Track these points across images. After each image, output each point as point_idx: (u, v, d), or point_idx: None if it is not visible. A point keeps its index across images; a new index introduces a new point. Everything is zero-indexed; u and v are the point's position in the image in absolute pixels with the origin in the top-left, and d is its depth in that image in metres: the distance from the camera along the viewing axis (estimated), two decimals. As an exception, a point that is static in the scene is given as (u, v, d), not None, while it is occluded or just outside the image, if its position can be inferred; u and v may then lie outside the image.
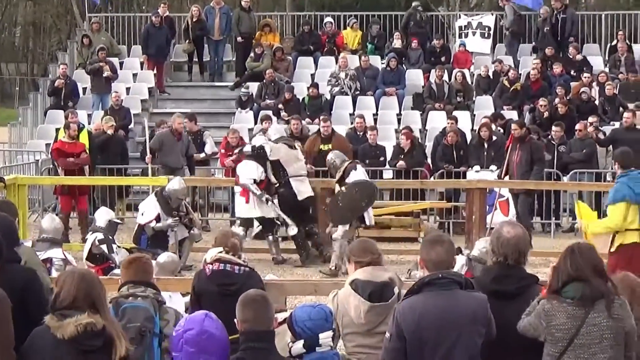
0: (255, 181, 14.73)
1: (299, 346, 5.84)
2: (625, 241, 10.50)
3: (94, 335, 5.17)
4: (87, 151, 17.46)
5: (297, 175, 15.06)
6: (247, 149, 15.46)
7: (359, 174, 14.44)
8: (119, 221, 13.43)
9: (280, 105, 21.87)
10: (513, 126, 16.81)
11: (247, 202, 14.81)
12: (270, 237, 15.15)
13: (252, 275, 7.72)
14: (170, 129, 17.84)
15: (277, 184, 14.92)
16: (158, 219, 14.04)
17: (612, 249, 10.50)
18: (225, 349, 5.36)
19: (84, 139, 17.72)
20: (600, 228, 10.95)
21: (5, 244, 6.27)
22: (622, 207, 10.44)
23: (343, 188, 14.34)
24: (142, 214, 14.26)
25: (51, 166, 18.49)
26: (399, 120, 22.20)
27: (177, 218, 14.04)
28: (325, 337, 5.89)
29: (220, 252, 7.70)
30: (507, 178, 16.40)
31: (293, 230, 14.87)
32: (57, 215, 15.03)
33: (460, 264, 9.21)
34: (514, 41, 24.68)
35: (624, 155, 10.88)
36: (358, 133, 19.71)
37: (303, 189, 15.04)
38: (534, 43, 24.47)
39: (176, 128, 17.82)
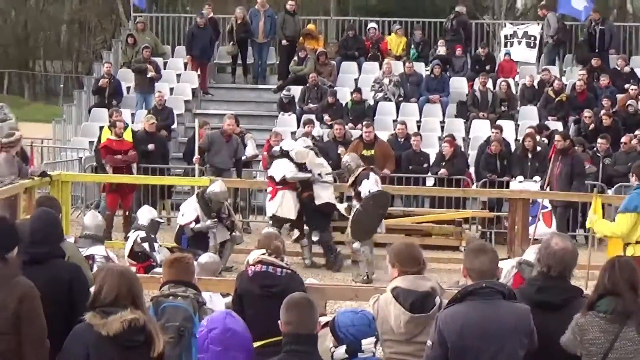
0: (284, 178, 14.93)
1: (341, 351, 5.84)
2: (636, 253, 10.54)
3: (137, 331, 5.22)
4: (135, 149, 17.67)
5: (323, 181, 15.16)
6: (276, 149, 15.68)
7: (371, 182, 14.47)
8: (161, 220, 13.52)
9: (322, 110, 21.90)
10: (556, 137, 16.75)
11: (272, 199, 15.05)
12: (305, 241, 15.25)
13: (294, 278, 7.74)
14: (220, 130, 17.88)
15: (300, 188, 15.08)
16: (197, 220, 14.12)
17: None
18: (250, 346, 5.38)
19: (128, 137, 17.86)
20: (606, 230, 11.21)
21: (52, 239, 6.37)
22: (631, 217, 10.58)
23: (359, 206, 14.40)
24: (182, 215, 14.35)
25: (94, 163, 18.67)
26: (442, 128, 22.15)
27: (215, 220, 14.12)
28: (367, 343, 5.89)
29: (263, 254, 7.73)
30: (548, 190, 16.33)
31: (316, 236, 15.02)
32: (99, 212, 15.14)
33: (510, 265, 9.17)
34: (557, 51, 24.53)
35: None
36: (399, 139, 19.69)
37: (323, 195, 15.10)
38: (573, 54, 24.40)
39: (226, 129, 17.91)
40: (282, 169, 15.02)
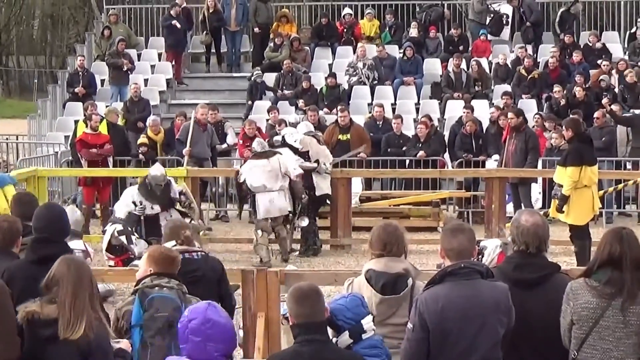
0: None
1: (345, 338, 5.86)
2: None
3: (44, 324, 5.40)
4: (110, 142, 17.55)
5: (326, 172, 15.07)
6: (277, 138, 15.49)
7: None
8: (138, 213, 13.42)
9: (297, 96, 21.88)
10: (509, 115, 16.79)
11: None
12: (287, 227, 15.09)
13: (209, 258, 7.78)
14: (195, 120, 17.83)
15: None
16: (142, 206, 13.68)
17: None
18: (232, 336, 5.35)
19: (104, 130, 17.75)
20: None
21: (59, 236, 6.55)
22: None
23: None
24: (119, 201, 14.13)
25: (70, 158, 18.57)
26: (417, 110, 22.15)
27: (142, 207, 13.65)
28: (367, 322, 5.93)
29: (174, 245, 7.63)
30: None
31: (304, 221, 14.87)
32: (77, 206, 15.06)
33: (494, 244, 9.19)
34: (532, 29, 24.54)
35: None
36: (378, 122, 19.74)
37: (323, 186, 15.05)
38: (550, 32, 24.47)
39: (199, 119, 17.84)
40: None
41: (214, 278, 7.62)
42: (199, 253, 7.73)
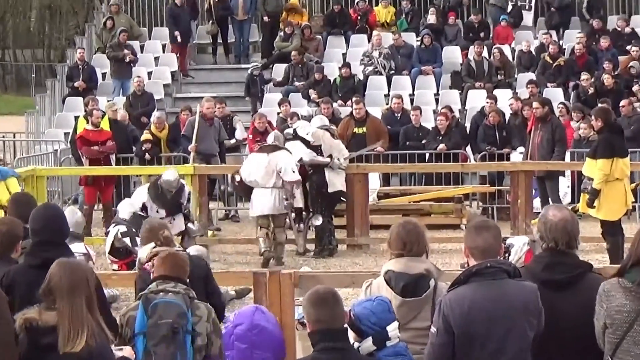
0: (301, 163, 14.71)
1: (368, 344, 5.81)
2: None
3: (44, 331, 5.33)
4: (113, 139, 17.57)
5: (339, 167, 15.03)
6: (289, 131, 15.46)
7: None
8: (143, 214, 13.40)
9: (309, 87, 21.86)
10: (534, 105, 16.70)
11: None
12: (301, 225, 15.13)
13: (192, 257, 7.74)
14: (200, 114, 17.82)
15: (311, 170, 14.88)
16: (144, 207, 13.76)
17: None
18: (281, 344, 5.28)
19: (105, 126, 17.75)
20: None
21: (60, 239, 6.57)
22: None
23: None
24: (132, 197, 14.17)
25: (70, 156, 18.58)
26: (436, 101, 22.11)
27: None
28: (393, 329, 5.89)
29: (154, 247, 7.64)
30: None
31: (319, 220, 14.84)
32: (78, 207, 15.05)
33: (522, 242, 9.14)
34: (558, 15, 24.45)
35: None
36: (395, 114, 19.72)
37: (336, 182, 15.01)
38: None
39: (205, 113, 17.82)
40: (295, 152, 14.75)
41: (199, 276, 7.61)
42: (173, 250, 7.66)
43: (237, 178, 14.67)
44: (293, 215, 14.85)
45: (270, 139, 14.88)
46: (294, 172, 14.31)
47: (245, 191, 14.95)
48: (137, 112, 20.72)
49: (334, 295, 5.43)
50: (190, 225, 14.16)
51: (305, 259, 14.76)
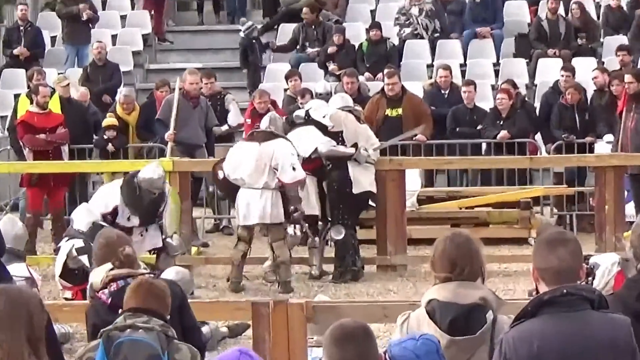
0: (310, 157, 14.77)
1: None
2: None
3: None
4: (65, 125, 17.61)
5: (367, 161, 15.08)
6: (299, 113, 15.51)
7: None
8: (105, 224, 13.43)
9: (326, 56, 21.90)
10: (627, 78, 16.67)
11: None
12: (316, 240, 15.17)
13: (168, 281, 7.79)
14: (182, 92, 17.85)
15: (329, 165, 14.93)
16: (114, 213, 13.84)
17: None
18: None
19: (55, 108, 17.77)
20: None
21: None
22: None
23: None
24: (97, 200, 14.15)
25: (9, 147, 18.65)
26: (496, 73, 22.15)
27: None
28: None
29: (111, 269, 7.66)
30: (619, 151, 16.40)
31: (340, 233, 14.87)
32: (19, 216, 15.09)
33: (610, 261, 9.15)
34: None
35: None
36: (442, 91, 19.69)
37: (364, 180, 15.04)
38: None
39: (188, 90, 17.85)
40: (309, 141, 14.85)
41: (172, 307, 7.62)
42: (149, 276, 7.69)
43: (221, 174, 14.65)
44: (306, 225, 14.88)
45: (264, 123, 14.91)
46: (294, 169, 14.28)
47: (230, 191, 15.00)
48: (98, 88, 20.72)
49: (365, 331, 5.42)
50: (169, 240, 14.19)
51: (322, 284, 14.82)
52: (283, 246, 14.52)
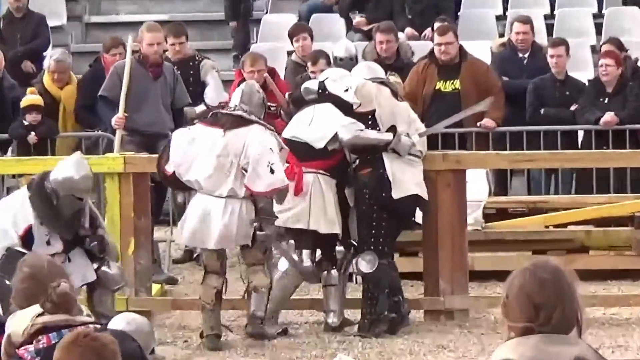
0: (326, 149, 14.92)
1: None
2: None
3: None
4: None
5: (411, 153, 15.14)
6: (311, 86, 15.54)
7: None
8: (23, 250, 13.46)
9: (349, 5, 21.95)
10: None
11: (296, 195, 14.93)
12: (334, 275, 15.18)
13: (118, 335, 7.76)
14: (137, 57, 17.91)
15: (356, 160, 15.02)
16: (30, 235, 14.01)
17: None
18: None
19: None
20: None
21: None
22: None
23: None
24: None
25: None
26: (597, 28, 22.23)
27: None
28: None
29: (41, 314, 7.68)
30: None
31: (369, 263, 14.87)
32: None
33: None
34: None
35: None
36: (520, 55, 19.72)
37: (406, 180, 15.08)
38: None
39: (147, 54, 17.94)
40: (324, 124, 14.99)
41: None
42: (93, 326, 7.69)
43: (170, 169, 14.64)
44: (318, 252, 14.96)
45: (234, 100, 14.99)
46: (272, 171, 14.31)
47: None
48: (15, 51, 20.82)
49: None
50: (105, 269, 14.25)
51: (343, 338, 14.89)
52: (262, 272, 14.68)
